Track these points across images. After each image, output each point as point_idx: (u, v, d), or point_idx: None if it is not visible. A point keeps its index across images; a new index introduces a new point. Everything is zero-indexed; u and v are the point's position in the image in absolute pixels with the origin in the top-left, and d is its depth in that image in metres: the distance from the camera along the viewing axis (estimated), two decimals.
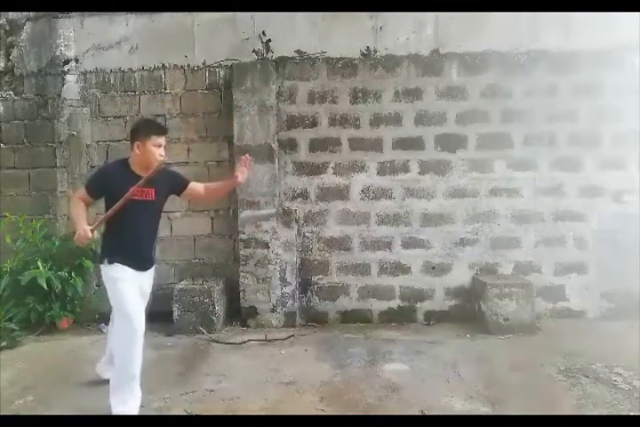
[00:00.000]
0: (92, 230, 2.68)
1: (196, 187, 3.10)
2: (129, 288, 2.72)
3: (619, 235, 4.41)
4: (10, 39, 4.81)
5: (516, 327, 4.06)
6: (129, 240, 2.79)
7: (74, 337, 4.27)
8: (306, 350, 3.79)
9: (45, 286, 4.15)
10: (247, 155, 3.04)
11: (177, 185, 3.02)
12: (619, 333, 3.99)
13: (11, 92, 4.80)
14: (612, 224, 4.45)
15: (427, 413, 2.70)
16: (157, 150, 2.75)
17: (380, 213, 4.57)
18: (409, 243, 4.56)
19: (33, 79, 4.78)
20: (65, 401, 2.97)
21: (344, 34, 4.56)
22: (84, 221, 2.69)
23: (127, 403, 2.65)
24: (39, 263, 4.23)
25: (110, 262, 2.74)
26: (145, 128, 2.80)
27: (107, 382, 2.81)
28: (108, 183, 2.76)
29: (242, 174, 2.98)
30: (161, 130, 2.83)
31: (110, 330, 3.03)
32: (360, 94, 4.55)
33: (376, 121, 4.55)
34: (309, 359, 3.58)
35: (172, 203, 4.71)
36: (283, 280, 4.44)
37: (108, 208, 2.76)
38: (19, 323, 4.20)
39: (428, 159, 4.54)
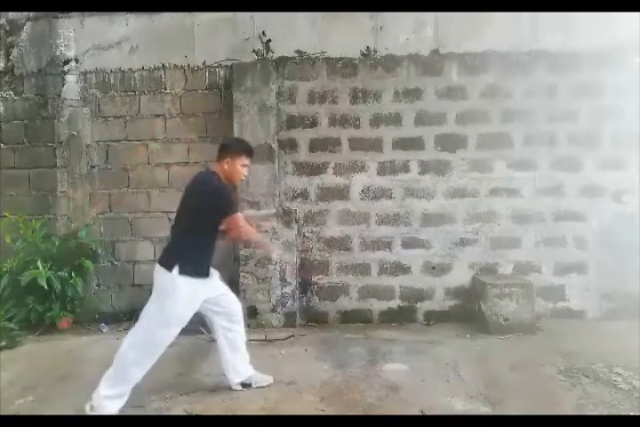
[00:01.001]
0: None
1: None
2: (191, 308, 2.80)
3: (619, 235, 4.41)
4: (10, 39, 4.81)
5: (516, 327, 4.06)
6: (210, 254, 2.86)
7: (74, 337, 4.27)
8: (306, 350, 3.79)
9: (46, 287, 4.15)
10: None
11: None
12: (619, 333, 3.98)
13: (11, 92, 4.80)
14: (612, 224, 4.45)
15: (427, 413, 2.70)
16: (243, 170, 2.88)
17: (380, 213, 4.57)
18: (409, 243, 4.56)
19: (33, 79, 4.78)
20: (65, 401, 2.96)
21: (344, 34, 4.56)
22: (252, 231, 2.94)
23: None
24: (39, 263, 4.23)
25: (182, 274, 2.70)
26: (239, 148, 2.90)
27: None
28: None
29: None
30: (251, 152, 2.96)
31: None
32: (360, 94, 4.55)
33: (376, 121, 4.55)
34: (309, 359, 3.58)
35: (173, 203, 4.72)
36: (283, 280, 4.44)
37: (205, 224, 2.77)
38: (18, 323, 4.21)
39: (427, 159, 4.54)
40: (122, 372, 2.70)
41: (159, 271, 2.74)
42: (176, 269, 2.68)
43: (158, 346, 2.74)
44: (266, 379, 3.11)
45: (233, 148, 2.90)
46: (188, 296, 2.72)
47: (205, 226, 2.77)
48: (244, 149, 2.91)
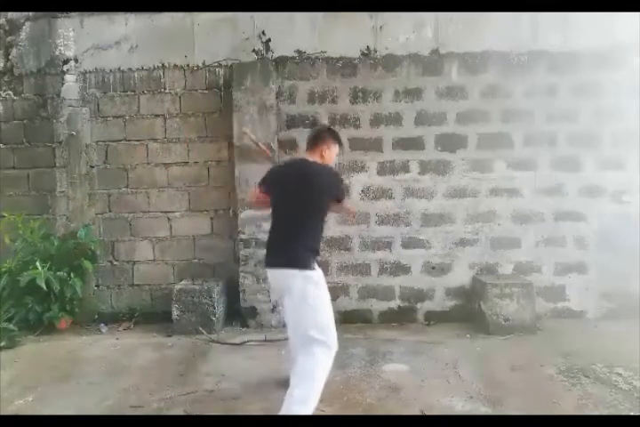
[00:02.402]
0: None
1: None
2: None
3: (619, 235, 4.41)
4: (9, 39, 4.80)
5: (516, 327, 4.06)
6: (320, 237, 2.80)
7: (73, 337, 4.26)
8: None
9: (45, 287, 4.15)
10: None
11: None
12: (619, 333, 3.98)
13: (10, 92, 4.79)
14: (612, 224, 4.45)
15: (427, 413, 2.70)
16: (336, 158, 3.02)
17: (380, 213, 4.57)
18: (409, 243, 4.55)
19: (32, 79, 4.77)
20: (65, 401, 2.96)
21: (344, 33, 4.55)
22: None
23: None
24: (38, 264, 4.22)
25: (314, 268, 2.62)
26: (335, 137, 2.92)
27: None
28: None
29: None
30: (342, 142, 3.02)
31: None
32: (360, 94, 4.55)
33: (376, 121, 4.54)
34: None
35: (172, 203, 4.73)
36: None
37: (324, 208, 2.77)
38: (18, 323, 4.20)
39: (428, 159, 4.54)
40: (316, 388, 2.46)
41: (294, 275, 2.55)
42: (310, 266, 2.57)
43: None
44: None
45: (331, 136, 2.89)
46: (323, 286, 2.65)
47: (325, 212, 2.76)
48: (339, 138, 2.95)
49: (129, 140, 4.74)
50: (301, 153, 4.54)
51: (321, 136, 2.87)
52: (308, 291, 2.55)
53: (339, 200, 2.83)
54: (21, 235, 4.40)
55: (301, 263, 2.56)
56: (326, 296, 2.64)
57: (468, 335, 4.10)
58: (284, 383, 2.72)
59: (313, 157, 2.81)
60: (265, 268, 2.79)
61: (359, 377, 3.24)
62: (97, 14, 4.69)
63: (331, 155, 2.86)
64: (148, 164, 4.74)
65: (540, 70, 4.49)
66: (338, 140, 2.93)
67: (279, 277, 2.64)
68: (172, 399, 2.92)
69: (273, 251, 2.73)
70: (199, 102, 4.69)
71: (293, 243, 2.63)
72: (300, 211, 2.65)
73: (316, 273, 2.62)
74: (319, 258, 2.79)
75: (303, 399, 2.38)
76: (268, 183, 2.84)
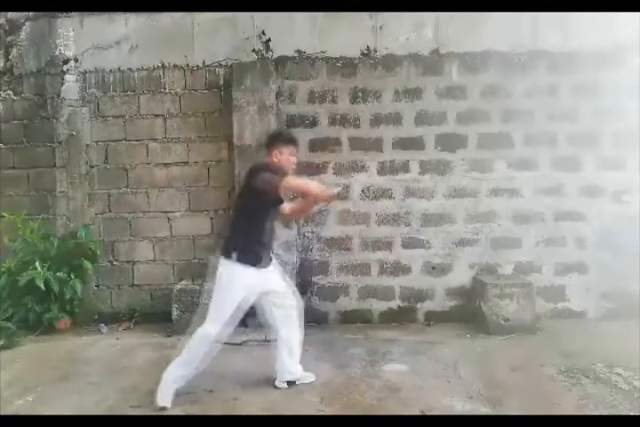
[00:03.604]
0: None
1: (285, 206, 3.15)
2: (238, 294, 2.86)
3: (619, 235, 4.41)
4: (9, 39, 4.80)
5: (516, 328, 4.05)
6: (268, 240, 2.99)
7: (73, 337, 4.26)
8: (306, 350, 3.75)
9: (43, 288, 4.14)
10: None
11: None
12: (619, 333, 3.98)
13: (10, 92, 4.79)
14: (612, 224, 4.45)
15: (427, 413, 2.69)
16: (292, 159, 3.00)
17: (380, 213, 4.56)
18: (409, 243, 4.55)
19: (32, 79, 4.77)
20: (64, 401, 2.96)
21: (344, 33, 4.55)
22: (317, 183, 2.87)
23: None
24: (37, 264, 4.22)
25: (239, 261, 2.85)
26: (285, 139, 3.03)
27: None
28: None
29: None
30: (296, 142, 3.09)
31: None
32: (360, 94, 4.55)
33: (376, 121, 4.54)
34: (309, 360, 3.55)
35: (172, 203, 4.73)
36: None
37: (265, 208, 2.90)
38: (17, 323, 4.20)
39: (428, 159, 4.54)
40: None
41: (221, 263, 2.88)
42: (234, 257, 2.83)
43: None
44: (309, 376, 3.15)
45: (280, 139, 3.02)
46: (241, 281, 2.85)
47: (253, 210, 2.89)
48: (290, 139, 3.05)
49: (129, 140, 4.74)
50: (301, 153, 4.56)
51: (270, 141, 3.03)
52: (219, 275, 2.88)
53: (259, 194, 2.79)
54: (21, 235, 4.40)
55: (223, 252, 2.89)
56: (229, 289, 2.83)
57: (468, 335, 4.10)
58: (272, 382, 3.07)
59: (269, 160, 2.97)
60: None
61: (359, 377, 3.23)
62: (97, 14, 4.69)
63: (283, 157, 2.95)
64: (148, 164, 4.73)
65: (540, 70, 4.48)
66: (289, 142, 3.01)
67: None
68: (172, 399, 2.91)
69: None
70: (199, 102, 4.69)
71: (225, 237, 3.04)
72: (233, 210, 3.00)
73: (233, 265, 2.84)
74: (252, 256, 2.87)
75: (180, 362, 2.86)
76: None
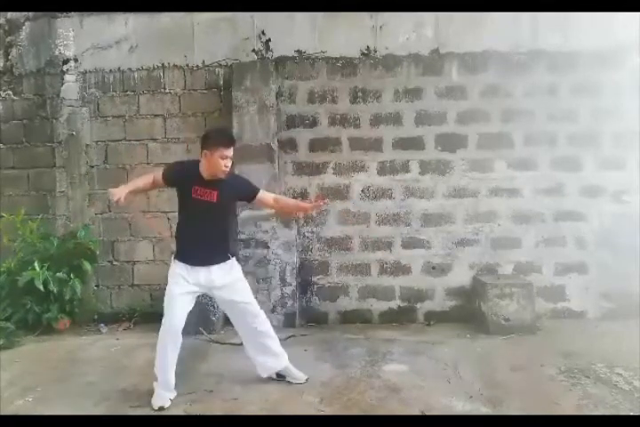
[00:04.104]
0: (124, 197, 2.75)
1: (266, 196, 3.14)
2: (177, 291, 2.93)
3: (619, 235, 4.41)
4: (9, 39, 4.80)
5: (516, 328, 4.05)
6: (188, 237, 2.96)
7: (73, 337, 4.26)
8: (305, 350, 3.78)
9: (42, 288, 4.13)
10: (327, 200, 3.34)
11: (245, 192, 3.09)
12: (619, 333, 3.98)
13: (10, 92, 4.79)
14: (612, 224, 4.45)
15: (427, 413, 2.69)
16: (223, 162, 2.81)
17: (380, 213, 4.56)
18: (409, 243, 4.55)
19: (32, 79, 4.77)
20: (65, 401, 2.96)
21: (344, 33, 4.55)
22: (129, 186, 2.87)
23: None
24: (36, 264, 4.21)
25: (174, 258, 3.00)
26: (214, 139, 2.83)
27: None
28: (179, 176, 2.93)
29: (313, 208, 3.22)
30: (229, 142, 2.85)
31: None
32: (360, 94, 4.55)
33: (376, 121, 4.54)
34: (309, 360, 3.56)
35: (172, 203, 4.72)
36: (282, 280, 4.43)
37: (180, 205, 2.99)
38: (16, 323, 4.20)
39: (428, 159, 4.54)
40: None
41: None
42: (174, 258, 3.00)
43: (164, 333, 3.04)
44: (301, 377, 3.15)
45: (209, 140, 2.83)
46: (174, 276, 2.95)
47: (179, 208, 3.00)
48: (221, 140, 2.83)
49: (129, 140, 4.74)
50: (301, 153, 4.57)
51: (202, 139, 2.92)
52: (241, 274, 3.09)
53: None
54: (21, 235, 4.39)
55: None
56: (170, 286, 2.96)
57: (468, 335, 4.10)
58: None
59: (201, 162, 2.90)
60: None
61: (359, 377, 3.23)
62: (96, 14, 4.69)
63: (213, 158, 2.79)
64: (148, 164, 4.73)
65: (540, 70, 4.48)
66: (223, 142, 2.82)
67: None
68: (172, 399, 2.91)
69: None
70: (199, 102, 4.69)
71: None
72: None
73: (173, 264, 2.99)
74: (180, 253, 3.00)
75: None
76: None
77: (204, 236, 2.92)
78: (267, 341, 3.10)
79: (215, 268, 2.96)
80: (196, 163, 2.92)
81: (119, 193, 2.71)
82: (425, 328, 4.39)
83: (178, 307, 2.92)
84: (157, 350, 2.94)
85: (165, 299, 2.95)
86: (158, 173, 2.98)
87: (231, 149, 2.84)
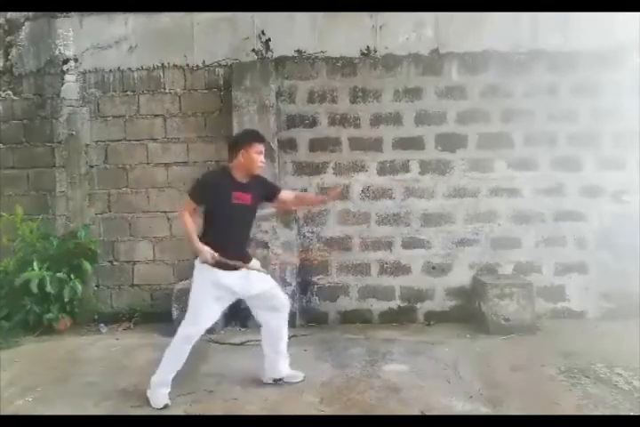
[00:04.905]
0: (210, 254, 2.79)
1: (287, 194, 3.23)
2: (212, 295, 2.86)
3: (619, 235, 4.41)
4: (9, 39, 4.80)
5: (516, 328, 4.05)
6: (225, 241, 2.88)
7: (73, 338, 4.26)
8: (305, 350, 3.78)
9: (35, 290, 4.12)
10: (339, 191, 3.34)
11: (270, 191, 3.13)
12: (619, 333, 3.98)
13: (9, 92, 4.79)
14: (612, 224, 4.45)
15: (427, 413, 2.69)
16: (259, 158, 2.91)
17: (380, 213, 4.56)
18: (409, 243, 4.55)
19: (32, 79, 4.77)
20: (65, 401, 2.96)
21: (344, 33, 4.55)
22: (194, 237, 2.85)
23: None
24: (35, 264, 4.21)
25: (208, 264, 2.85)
26: (248, 137, 2.98)
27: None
28: (214, 189, 2.88)
29: (331, 198, 3.36)
30: (262, 138, 3.01)
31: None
32: (360, 94, 4.55)
33: (376, 121, 4.54)
34: (309, 360, 3.57)
35: (172, 203, 4.72)
36: (282, 280, 4.42)
37: (207, 214, 2.91)
38: (16, 323, 4.20)
39: (428, 159, 4.53)
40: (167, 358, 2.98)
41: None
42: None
43: (184, 337, 2.96)
44: (298, 375, 3.15)
45: (243, 138, 2.98)
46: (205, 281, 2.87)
47: (206, 217, 2.91)
48: (255, 137, 2.98)
49: (129, 140, 4.74)
50: (301, 153, 4.57)
51: (235, 141, 3.04)
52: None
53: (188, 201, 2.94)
54: (21, 234, 4.39)
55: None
56: (197, 287, 2.89)
57: (468, 335, 4.10)
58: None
59: (232, 164, 2.93)
60: None
61: (359, 377, 3.23)
62: (96, 14, 4.69)
63: (250, 155, 2.87)
64: (148, 164, 4.73)
65: (540, 70, 4.48)
66: (257, 138, 2.95)
67: None
68: (172, 400, 2.91)
69: None
70: (199, 102, 4.69)
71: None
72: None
73: (199, 264, 2.88)
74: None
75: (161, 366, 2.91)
76: None
77: (240, 238, 3.01)
78: (283, 339, 3.12)
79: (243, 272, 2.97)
80: (223, 170, 2.98)
81: (207, 254, 2.78)
82: (425, 328, 4.39)
83: (211, 311, 2.91)
84: (173, 349, 2.91)
85: (196, 302, 2.88)
86: (188, 204, 2.95)
87: (263, 146, 2.96)
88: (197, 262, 2.88)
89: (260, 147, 2.92)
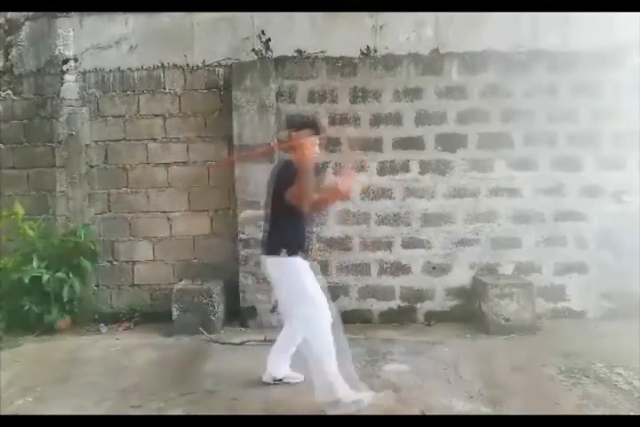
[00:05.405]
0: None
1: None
2: (313, 282, 2.81)
3: (619, 235, 4.41)
4: (9, 39, 4.79)
5: (516, 327, 4.05)
6: (302, 232, 2.88)
7: (73, 337, 4.26)
8: None
9: (26, 281, 4.11)
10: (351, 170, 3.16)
11: None
12: (619, 333, 3.98)
13: (9, 92, 4.79)
14: (612, 224, 4.45)
15: (427, 413, 2.69)
16: (315, 148, 2.82)
17: (380, 213, 4.56)
18: (409, 243, 4.55)
19: (32, 79, 4.77)
20: (65, 401, 2.96)
21: (344, 33, 4.55)
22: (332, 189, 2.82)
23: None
24: (34, 262, 4.20)
25: (291, 255, 2.78)
26: (312, 127, 2.89)
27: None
28: None
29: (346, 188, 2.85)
30: (320, 129, 2.97)
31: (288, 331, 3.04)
32: (360, 94, 4.55)
33: (376, 121, 4.54)
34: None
35: (172, 203, 4.73)
36: None
37: (291, 206, 2.73)
38: (16, 323, 4.20)
39: (428, 159, 4.53)
40: (321, 366, 2.68)
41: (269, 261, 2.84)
42: (283, 253, 2.77)
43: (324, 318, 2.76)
44: (297, 376, 3.13)
45: (309, 127, 2.88)
46: (303, 269, 2.81)
47: (284, 205, 2.76)
48: (316, 127, 2.92)
49: (128, 140, 4.74)
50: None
51: (296, 128, 2.94)
52: (279, 276, 2.84)
53: (290, 188, 2.72)
54: (21, 233, 4.38)
55: (271, 251, 2.84)
56: (301, 277, 2.79)
57: (468, 335, 4.10)
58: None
59: (291, 153, 2.86)
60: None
61: (359, 377, 3.21)
62: (96, 14, 4.68)
63: (310, 146, 2.73)
64: (148, 163, 4.73)
65: (540, 70, 4.48)
66: (317, 129, 2.89)
67: (262, 262, 2.97)
68: (172, 400, 2.91)
69: (261, 242, 3.07)
70: (199, 102, 4.69)
71: (268, 235, 2.93)
72: (269, 208, 2.92)
73: (287, 260, 2.79)
74: (298, 249, 2.82)
75: (316, 362, 2.69)
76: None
77: (307, 229, 2.95)
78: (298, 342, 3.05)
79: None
80: (290, 164, 2.83)
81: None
82: (425, 328, 4.38)
83: (321, 295, 2.79)
84: (321, 347, 2.70)
85: (303, 293, 2.75)
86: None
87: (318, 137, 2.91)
88: (284, 258, 2.77)
89: (317, 138, 2.89)
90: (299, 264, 2.80)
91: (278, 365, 3.10)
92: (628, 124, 4.42)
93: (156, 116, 4.71)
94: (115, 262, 4.78)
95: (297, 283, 2.77)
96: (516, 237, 4.53)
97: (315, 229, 4.53)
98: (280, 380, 3.10)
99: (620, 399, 2.82)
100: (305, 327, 2.76)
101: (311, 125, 2.92)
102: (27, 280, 4.12)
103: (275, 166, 3.10)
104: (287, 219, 2.82)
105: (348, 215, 4.56)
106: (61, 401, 2.96)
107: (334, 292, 4.55)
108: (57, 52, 4.73)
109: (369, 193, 4.55)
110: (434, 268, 4.55)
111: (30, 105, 4.77)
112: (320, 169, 2.98)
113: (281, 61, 4.56)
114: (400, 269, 4.55)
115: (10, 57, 4.80)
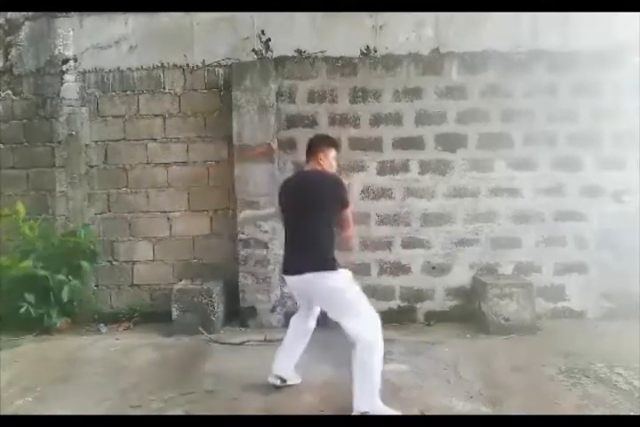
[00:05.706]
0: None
1: None
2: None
3: (619, 235, 4.41)
4: (8, 39, 4.79)
5: (516, 327, 4.05)
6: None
7: (73, 337, 4.26)
8: (305, 350, 3.77)
9: (20, 274, 4.12)
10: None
11: None
12: (619, 333, 3.98)
13: (9, 92, 4.79)
14: (612, 224, 4.45)
15: (427, 413, 2.69)
16: (334, 162, 3.12)
17: (380, 213, 4.56)
18: (409, 243, 4.55)
19: (31, 79, 4.77)
20: (65, 401, 2.96)
21: (344, 33, 4.55)
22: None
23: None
24: (32, 261, 4.20)
25: (338, 268, 2.90)
26: (332, 143, 3.14)
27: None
28: None
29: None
30: (338, 145, 3.25)
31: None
32: (360, 94, 4.55)
33: (376, 121, 4.54)
34: (309, 360, 3.55)
35: (171, 203, 4.73)
36: (282, 280, 4.40)
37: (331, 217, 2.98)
38: (16, 323, 4.19)
39: (428, 159, 4.53)
40: (371, 376, 2.60)
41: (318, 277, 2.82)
42: (330, 268, 2.88)
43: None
44: (298, 377, 3.15)
45: (330, 144, 3.11)
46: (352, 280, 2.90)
47: (327, 219, 2.95)
48: (334, 143, 3.15)
49: (128, 140, 4.73)
50: (300, 153, 4.55)
51: (316, 146, 3.06)
52: (331, 292, 2.82)
53: (343, 206, 3.00)
54: (22, 233, 4.37)
55: (321, 266, 2.87)
56: (352, 286, 2.88)
57: (468, 335, 4.10)
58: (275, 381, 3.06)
59: (312, 167, 3.04)
60: (284, 275, 3.00)
61: None
62: (96, 14, 4.68)
63: (328, 159, 3.04)
64: (148, 163, 4.73)
65: (540, 70, 4.48)
66: (334, 145, 3.11)
67: (300, 282, 2.89)
68: (172, 400, 2.91)
69: (290, 260, 3.01)
70: (198, 102, 4.68)
71: (306, 249, 2.94)
72: (306, 219, 2.92)
73: (340, 273, 2.90)
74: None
75: (370, 371, 2.59)
76: (281, 201, 3.07)
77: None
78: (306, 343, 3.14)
79: None
80: (334, 179, 3.05)
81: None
82: (425, 328, 4.38)
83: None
84: (379, 358, 2.61)
85: (358, 302, 2.78)
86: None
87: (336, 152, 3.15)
88: (336, 272, 2.89)
89: (335, 153, 3.15)
90: (348, 277, 2.90)
91: (285, 362, 3.10)
92: (628, 124, 4.43)
93: (155, 116, 4.71)
94: (114, 262, 4.78)
95: (354, 295, 2.81)
96: (515, 237, 4.53)
97: None
98: (285, 380, 3.09)
99: (620, 399, 2.82)
100: (363, 338, 2.63)
101: (334, 144, 3.14)
102: (18, 272, 4.11)
103: (299, 176, 3.20)
104: (330, 232, 2.96)
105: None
106: (61, 401, 2.96)
107: None
108: (57, 52, 4.73)
109: (369, 193, 4.55)
110: (434, 268, 4.55)
111: (30, 105, 4.77)
112: None
113: (281, 61, 4.56)
114: (400, 269, 4.55)
115: (10, 57, 4.80)
